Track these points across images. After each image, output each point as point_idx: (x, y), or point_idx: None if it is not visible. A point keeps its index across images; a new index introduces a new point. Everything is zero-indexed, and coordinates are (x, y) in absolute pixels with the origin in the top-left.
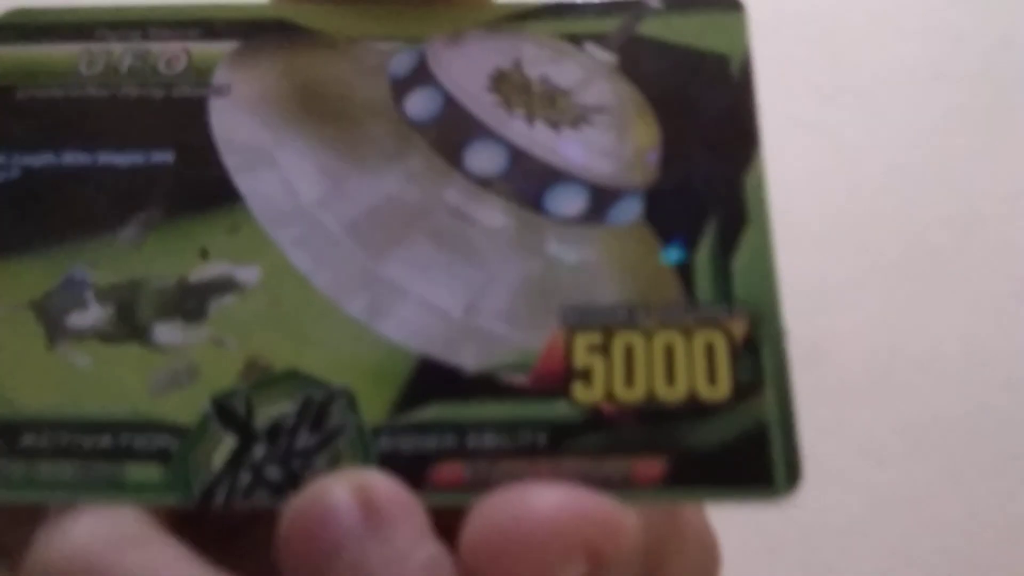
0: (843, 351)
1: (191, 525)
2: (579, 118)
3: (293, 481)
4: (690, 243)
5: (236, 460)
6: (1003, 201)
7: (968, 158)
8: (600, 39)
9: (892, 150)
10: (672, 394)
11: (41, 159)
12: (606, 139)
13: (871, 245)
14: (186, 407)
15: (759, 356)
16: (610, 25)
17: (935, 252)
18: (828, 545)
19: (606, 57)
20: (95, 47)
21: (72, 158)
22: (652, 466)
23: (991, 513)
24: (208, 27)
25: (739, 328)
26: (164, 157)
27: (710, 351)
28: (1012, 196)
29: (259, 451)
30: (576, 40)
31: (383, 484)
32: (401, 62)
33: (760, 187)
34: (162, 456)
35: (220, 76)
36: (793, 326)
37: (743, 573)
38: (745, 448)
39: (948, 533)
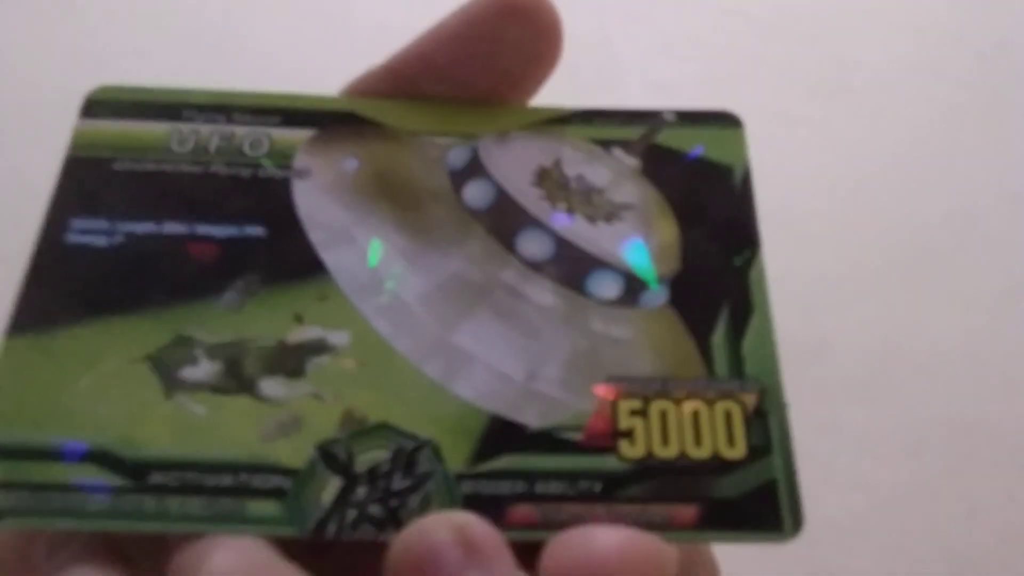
0: (842, 349)
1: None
2: (611, 214)
3: (392, 518)
4: (707, 328)
5: (342, 499)
6: (1003, 201)
7: (968, 158)
8: (625, 145)
9: (891, 149)
10: (700, 453)
11: (143, 227)
12: (637, 231)
13: (871, 244)
14: (295, 452)
15: (767, 423)
16: (633, 133)
17: (935, 252)
18: (828, 545)
19: (631, 161)
20: (184, 127)
21: (172, 228)
22: (687, 512)
23: (991, 513)
24: (287, 115)
25: (750, 400)
26: (256, 231)
27: (728, 418)
28: (1012, 196)
29: (361, 491)
30: (605, 144)
31: (478, 524)
32: (457, 156)
33: (761, 280)
34: (278, 494)
35: (300, 161)
36: (793, 324)
37: (743, 572)
38: (759, 500)
39: (948, 533)
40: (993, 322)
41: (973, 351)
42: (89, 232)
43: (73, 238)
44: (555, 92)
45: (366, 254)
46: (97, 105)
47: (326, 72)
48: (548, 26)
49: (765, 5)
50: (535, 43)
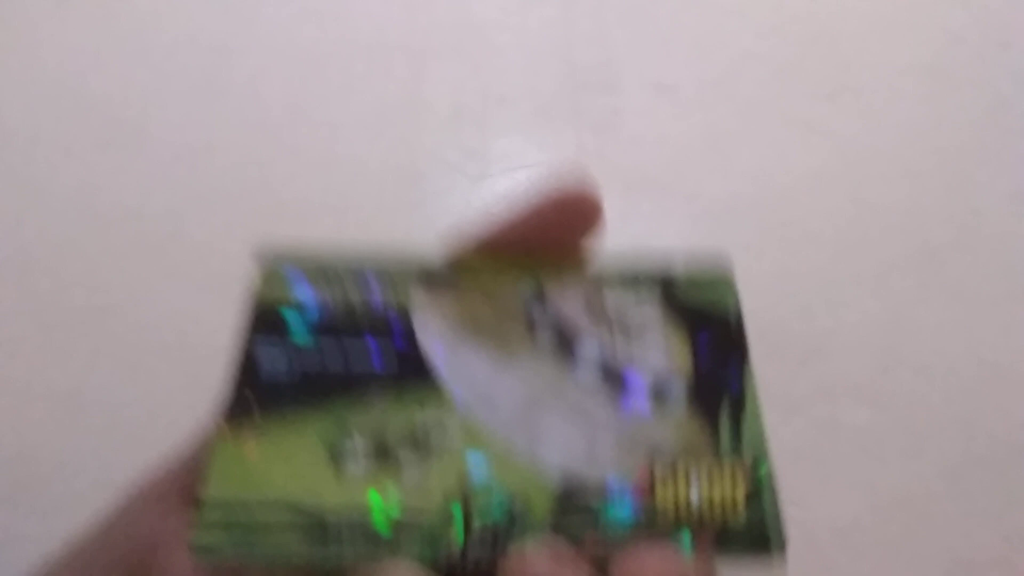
0: (843, 350)
1: None
2: (640, 335)
3: (502, 548)
4: (715, 415)
5: (466, 538)
6: (1003, 201)
7: (968, 158)
8: (648, 289)
9: (892, 150)
10: (716, 499)
11: (311, 350)
12: (660, 347)
13: (871, 245)
14: (430, 506)
15: (760, 478)
16: (652, 277)
17: (935, 252)
18: (828, 545)
19: (653, 299)
20: (335, 290)
21: (331, 352)
22: (706, 537)
23: (991, 513)
24: (415, 275)
25: (747, 465)
26: (393, 353)
27: (733, 477)
28: (1012, 196)
29: (478, 531)
30: (635, 288)
31: (563, 544)
32: (530, 298)
33: (752, 379)
34: (421, 533)
35: (420, 308)
36: (794, 325)
37: (743, 572)
38: (756, 528)
39: (948, 533)
40: (994, 323)
41: (974, 352)
42: (275, 353)
43: (263, 355)
44: (554, 91)
45: (471, 371)
46: (269, 266)
47: (316, 94)
48: (595, 212)
49: (765, 6)
50: (584, 224)
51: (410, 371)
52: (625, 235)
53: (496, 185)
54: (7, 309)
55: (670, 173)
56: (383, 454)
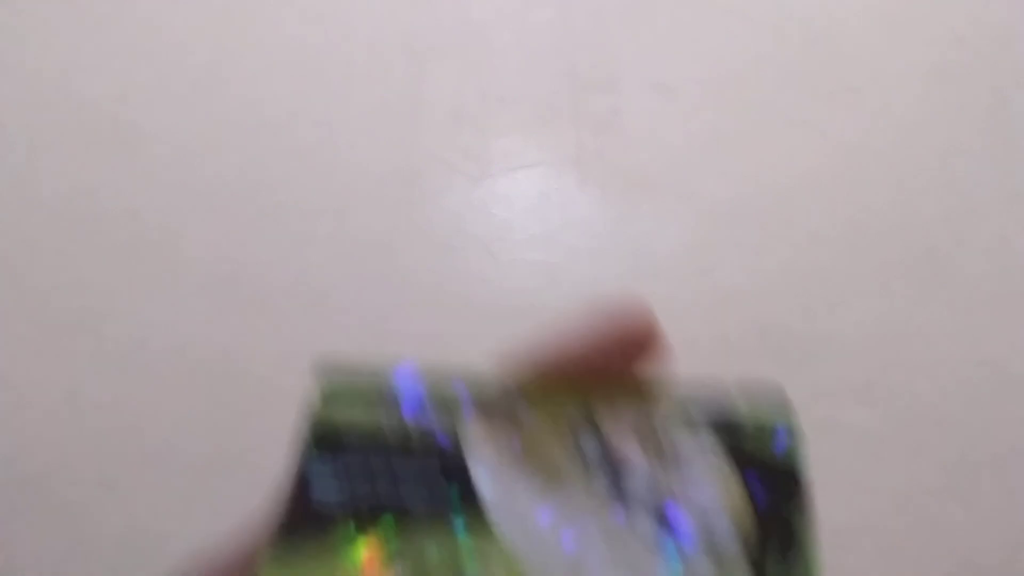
0: (843, 350)
1: None
2: (693, 474)
3: None
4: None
5: None
6: (1003, 202)
7: (968, 158)
8: (705, 425)
9: (892, 150)
10: None
11: (361, 479)
12: (714, 488)
13: (871, 245)
14: None
15: None
16: (711, 417)
17: (935, 252)
18: (828, 545)
19: (708, 435)
20: (390, 411)
21: (382, 478)
22: None
23: (991, 513)
24: (467, 404)
25: None
26: (440, 489)
27: None
28: (1012, 197)
29: None
30: (689, 421)
31: None
32: (583, 433)
33: (810, 525)
34: None
35: (471, 434)
36: (794, 325)
37: None
38: None
39: (948, 534)
40: (994, 323)
41: (974, 352)
42: (327, 473)
43: (315, 475)
44: (554, 91)
45: (518, 503)
46: (326, 384)
47: (303, 102)
48: (655, 342)
49: (765, 6)
50: (644, 354)
51: (458, 499)
52: (625, 235)
53: (496, 185)
54: (7, 309)
55: (670, 173)
56: None
